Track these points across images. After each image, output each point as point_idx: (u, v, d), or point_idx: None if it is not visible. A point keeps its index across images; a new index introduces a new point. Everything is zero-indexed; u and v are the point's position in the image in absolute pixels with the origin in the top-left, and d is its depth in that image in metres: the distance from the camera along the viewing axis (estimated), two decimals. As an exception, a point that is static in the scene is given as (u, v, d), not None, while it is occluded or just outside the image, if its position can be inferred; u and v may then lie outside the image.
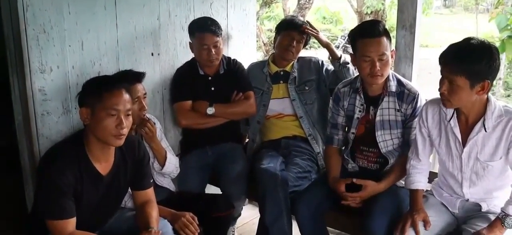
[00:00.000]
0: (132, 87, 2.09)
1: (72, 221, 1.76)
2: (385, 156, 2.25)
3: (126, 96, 1.80)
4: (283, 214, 2.31)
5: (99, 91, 1.76)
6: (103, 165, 1.86)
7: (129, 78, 2.14)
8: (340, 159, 2.40)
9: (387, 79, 2.18)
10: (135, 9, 2.50)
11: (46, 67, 2.17)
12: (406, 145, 2.21)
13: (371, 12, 8.84)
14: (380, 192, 2.16)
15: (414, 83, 2.33)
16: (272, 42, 3.05)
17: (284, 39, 2.67)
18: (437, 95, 1.90)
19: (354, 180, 2.19)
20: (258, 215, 2.44)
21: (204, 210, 2.23)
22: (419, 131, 2.06)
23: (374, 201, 2.12)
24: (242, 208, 2.87)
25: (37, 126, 2.20)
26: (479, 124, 1.86)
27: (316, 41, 2.76)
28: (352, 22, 11.11)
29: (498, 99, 1.92)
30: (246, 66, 2.86)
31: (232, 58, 2.81)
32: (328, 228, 2.35)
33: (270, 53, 3.92)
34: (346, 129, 2.39)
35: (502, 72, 8.24)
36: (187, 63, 2.75)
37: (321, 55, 3.25)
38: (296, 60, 2.74)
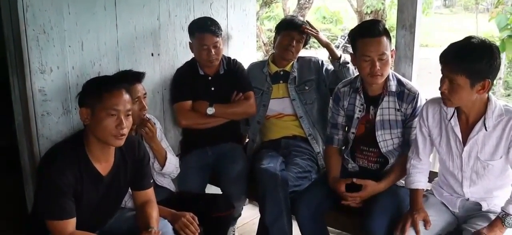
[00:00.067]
0: (132, 87, 2.09)
1: (72, 222, 1.76)
2: (385, 156, 2.25)
3: (126, 96, 1.80)
4: (283, 214, 2.31)
5: (99, 92, 1.76)
6: (103, 165, 1.86)
7: (129, 78, 2.14)
8: (340, 159, 2.40)
9: (387, 78, 2.18)
10: (135, 10, 2.50)
11: (46, 67, 2.17)
12: (406, 145, 2.21)
13: (371, 12, 8.84)
14: (380, 192, 2.16)
15: (414, 83, 2.32)
16: (272, 42, 3.05)
17: (284, 39, 2.67)
18: (437, 94, 1.90)
19: (354, 180, 2.19)
20: (258, 215, 2.44)
21: (204, 210, 2.23)
22: (420, 130, 2.06)
23: (374, 201, 2.12)
24: (242, 208, 2.87)
25: (37, 126, 2.20)
26: (480, 123, 1.86)
27: (316, 41, 2.76)
28: (352, 22, 11.10)
29: (498, 99, 1.92)
30: (246, 66, 2.86)
31: (232, 58, 2.81)
32: (328, 228, 2.35)
33: (270, 53, 3.91)
34: (346, 129, 2.38)
35: (502, 72, 8.24)
36: (187, 63, 2.75)
37: (321, 55, 3.25)
38: (296, 60, 2.74)
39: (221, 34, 2.61)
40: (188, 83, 2.67)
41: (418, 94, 2.17)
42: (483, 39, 1.78)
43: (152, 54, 2.65)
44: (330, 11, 12.61)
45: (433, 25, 13.03)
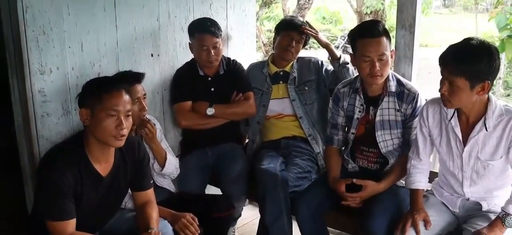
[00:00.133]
0: (131, 88, 2.09)
1: (72, 222, 1.76)
2: (385, 156, 2.25)
3: (126, 97, 1.80)
4: (283, 214, 2.31)
5: (98, 92, 1.76)
6: (103, 166, 1.86)
7: (129, 79, 2.14)
8: (340, 159, 2.40)
9: (387, 79, 2.18)
10: (134, 10, 2.50)
11: (45, 68, 2.17)
12: (406, 145, 2.21)
13: (371, 12, 8.85)
14: (380, 192, 2.16)
15: (414, 83, 2.33)
16: (272, 42, 3.05)
17: (284, 40, 2.67)
18: (437, 94, 1.90)
19: (354, 180, 2.19)
20: (258, 216, 2.44)
21: (205, 210, 2.23)
22: (420, 130, 2.06)
23: (374, 201, 2.12)
24: (242, 208, 2.86)
25: (37, 127, 2.20)
26: (480, 123, 1.86)
27: (315, 41, 2.77)
28: (351, 22, 11.11)
29: (498, 99, 1.92)
30: (245, 66, 2.86)
31: (232, 58, 2.81)
32: (328, 228, 2.35)
33: (269, 54, 3.91)
34: (346, 129, 2.38)
35: (502, 72, 8.24)
36: (187, 63, 2.75)
37: (321, 55, 3.25)
38: (295, 60, 2.74)
39: (220, 34, 2.61)
40: (188, 84, 2.67)
41: (418, 94, 2.17)
42: (482, 40, 1.78)
43: (152, 55, 2.65)
44: (329, 11, 12.61)
45: (433, 25, 13.03)
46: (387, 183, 2.18)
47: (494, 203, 1.96)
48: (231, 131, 2.77)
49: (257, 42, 5.07)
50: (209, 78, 2.69)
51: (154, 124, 2.33)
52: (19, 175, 2.42)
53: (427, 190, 2.17)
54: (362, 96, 2.25)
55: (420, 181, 2.06)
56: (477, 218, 1.95)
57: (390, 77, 2.20)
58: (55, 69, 2.21)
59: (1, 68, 2.39)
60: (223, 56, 2.72)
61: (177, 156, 2.58)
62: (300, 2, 7.64)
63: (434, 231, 1.98)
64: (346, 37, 10.36)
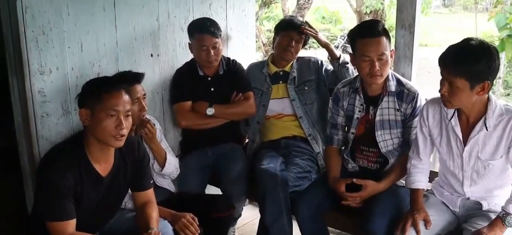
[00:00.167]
0: (131, 88, 2.09)
1: (72, 223, 1.76)
2: (385, 156, 2.25)
3: (126, 97, 1.80)
4: (283, 214, 2.31)
5: (98, 92, 1.76)
6: (103, 166, 1.86)
7: (128, 79, 2.14)
8: (340, 159, 2.40)
9: (387, 79, 2.18)
10: (134, 10, 2.50)
11: (45, 68, 2.17)
12: (406, 145, 2.21)
13: (370, 12, 8.84)
14: (380, 192, 2.16)
15: (414, 83, 2.33)
16: (271, 42, 3.05)
17: (283, 40, 2.67)
18: (436, 94, 1.90)
19: (354, 180, 2.19)
20: (258, 216, 2.44)
21: (205, 210, 2.23)
22: (420, 130, 2.06)
23: (374, 201, 2.12)
24: (242, 208, 2.86)
25: (36, 127, 2.20)
26: (480, 123, 1.86)
27: (315, 41, 2.76)
28: (351, 22, 11.10)
29: (498, 98, 1.92)
30: (245, 66, 2.86)
31: (232, 58, 2.81)
32: (328, 228, 2.35)
33: (269, 54, 3.92)
34: (346, 129, 2.38)
35: (501, 71, 8.23)
36: (187, 63, 2.75)
37: (321, 55, 3.25)
38: (295, 60, 2.74)
39: (220, 34, 2.61)
40: (187, 84, 2.66)
41: (418, 94, 2.17)
42: (482, 40, 1.78)
43: (152, 55, 2.65)
44: (329, 11, 12.61)
45: (433, 25, 13.03)
46: (387, 182, 2.18)
47: (495, 203, 1.96)
48: (231, 131, 2.77)
49: (256, 42, 5.06)
50: (209, 78, 2.69)
51: (154, 124, 2.33)
52: (19, 175, 2.42)
53: (427, 190, 2.17)
54: (362, 96, 2.25)
55: (420, 181, 2.07)
56: (477, 217, 1.95)
57: (390, 77, 2.20)
58: (54, 69, 2.21)
59: (1, 68, 2.39)
60: (222, 56, 2.72)
61: (177, 156, 2.58)
62: (299, 2, 7.64)
63: (434, 231, 1.98)
64: (346, 37, 10.36)
